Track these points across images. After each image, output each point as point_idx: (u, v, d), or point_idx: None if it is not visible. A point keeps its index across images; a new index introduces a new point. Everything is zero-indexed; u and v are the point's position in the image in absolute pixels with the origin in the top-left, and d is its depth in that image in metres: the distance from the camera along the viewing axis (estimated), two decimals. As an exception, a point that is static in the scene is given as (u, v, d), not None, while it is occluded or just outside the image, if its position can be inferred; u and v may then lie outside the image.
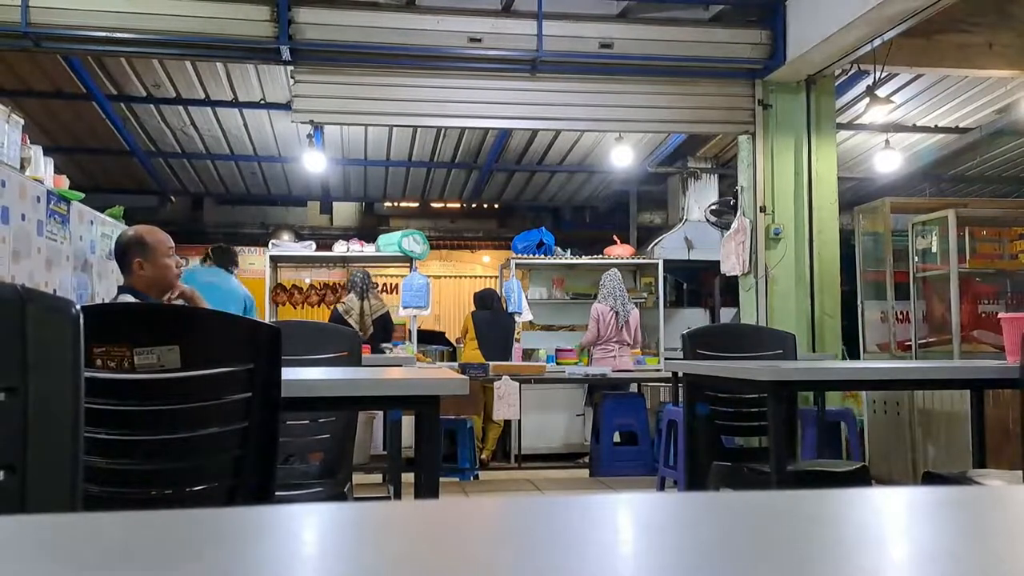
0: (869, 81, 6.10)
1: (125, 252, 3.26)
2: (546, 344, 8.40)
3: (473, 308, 7.77)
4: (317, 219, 12.08)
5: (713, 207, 9.13)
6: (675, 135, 7.86)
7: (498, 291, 8.37)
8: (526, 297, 8.20)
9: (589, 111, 6.20)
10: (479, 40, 5.85)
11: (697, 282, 9.79)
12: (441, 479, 2.46)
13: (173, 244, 3.34)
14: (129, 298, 3.22)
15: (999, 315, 3.60)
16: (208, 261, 6.26)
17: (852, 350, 6.56)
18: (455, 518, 0.57)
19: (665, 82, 6.22)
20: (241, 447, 1.75)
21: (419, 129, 7.85)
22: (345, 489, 2.84)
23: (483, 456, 7.21)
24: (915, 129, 8.13)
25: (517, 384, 6.06)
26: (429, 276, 8.04)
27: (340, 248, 8.05)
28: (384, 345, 6.97)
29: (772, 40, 6.05)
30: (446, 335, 9.73)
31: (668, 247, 8.98)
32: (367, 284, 7.03)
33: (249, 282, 7.00)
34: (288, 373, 1.86)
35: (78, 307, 1.08)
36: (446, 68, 5.99)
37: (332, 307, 7.42)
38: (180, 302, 3.34)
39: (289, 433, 2.84)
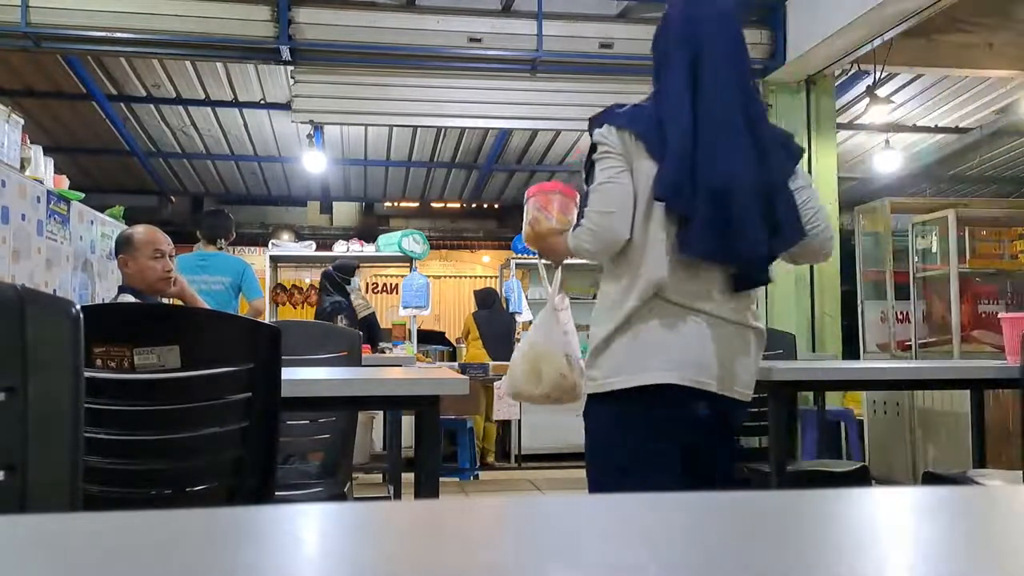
0: (869, 81, 6.10)
1: (116, 249, 3.43)
2: (546, 344, 8.37)
3: (475, 308, 7.77)
4: (317, 219, 12.07)
5: (713, 207, 9.12)
6: (675, 135, 7.84)
7: (498, 291, 8.37)
8: (526, 297, 8.20)
9: (589, 111, 6.15)
10: (479, 40, 5.84)
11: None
12: (441, 479, 2.46)
13: (166, 248, 3.36)
14: (129, 298, 3.24)
15: (999, 315, 3.60)
16: (201, 241, 5.53)
17: (852, 350, 6.56)
18: (455, 518, 0.57)
19: (665, 82, 6.21)
20: (241, 447, 1.75)
21: (419, 129, 7.84)
22: (345, 489, 2.85)
23: (490, 458, 7.21)
24: (915, 129, 8.13)
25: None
26: (429, 276, 8.04)
27: (340, 248, 8.04)
28: (384, 345, 6.96)
29: (772, 40, 6.04)
30: (446, 335, 9.73)
31: (668, 247, 8.95)
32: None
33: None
34: (288, 373, 1.86)
35: (78, 307, 1.08)
36: (446, 68, 5.99)
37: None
38: (178, 301, 3.38)
39: (289, 433, 2.84)
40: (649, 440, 1.95)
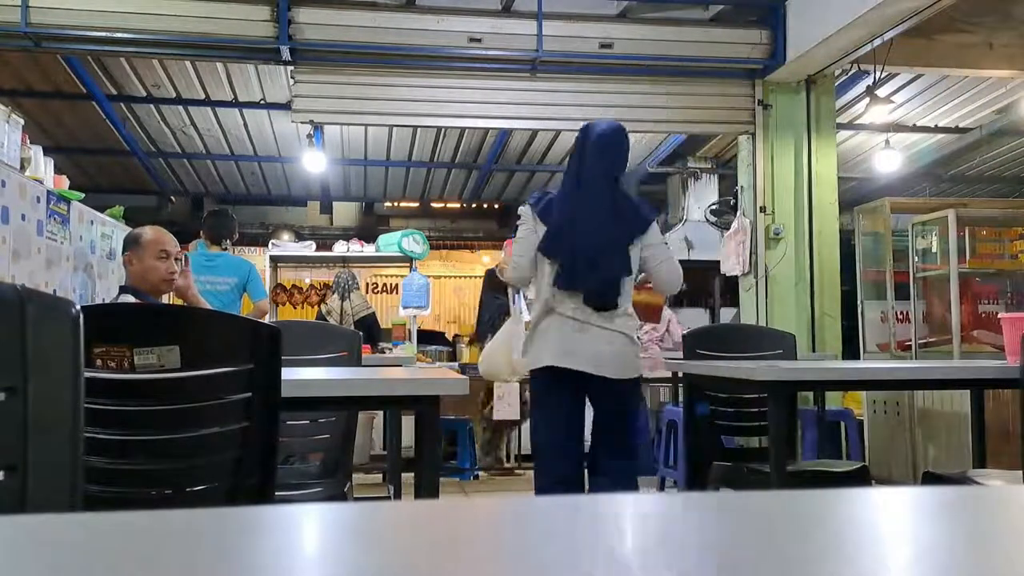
0: (869, 81, 6.09)
1: (124, 246, 3.49)
2: (546, 344, 8.35)
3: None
4: (317, 219, 12.07)
5: (713, 207, 9.12)
6: (675, 135, 7.85)
7: (498, 291, 8.36)
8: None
9: (589, 111, 6.18)
10: (479, 40, 5.84)
11: (697, 282, 9.78)
12: (441, 479, 2.46)
13: (172, 249, 3.40)
14: (129, 298, 3.25)
15: (999, 315, 3.61)
16: (205, 241, 5.46)
17: (852, 350, 6.56)
18: (455, 518, 0.57)
19: (665, 82, 6.22)
20: (241, 447, 1.75)
21: (419, 129, 7.84)
22: (345, 489, 2.85)
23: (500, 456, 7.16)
24: (915, 129, 8.12)
25: (517, 384, 6.05)
26: (429, 276, 8.03)
27: (340, 248, 8.03)
28: (384, 345, 6.95)
29: (772, 40, 6.04)
30: (446, 335, 9.73)
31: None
32: (349, 285, 6.99)
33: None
34: (288, 373, 1.86)
35: (78, 307, 1.08)
36: (446, 68, 5.98)
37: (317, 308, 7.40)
38: (179, 300, 3.41)
39: (289, 433, 2.84)
40: (549, 395, 3.29)
